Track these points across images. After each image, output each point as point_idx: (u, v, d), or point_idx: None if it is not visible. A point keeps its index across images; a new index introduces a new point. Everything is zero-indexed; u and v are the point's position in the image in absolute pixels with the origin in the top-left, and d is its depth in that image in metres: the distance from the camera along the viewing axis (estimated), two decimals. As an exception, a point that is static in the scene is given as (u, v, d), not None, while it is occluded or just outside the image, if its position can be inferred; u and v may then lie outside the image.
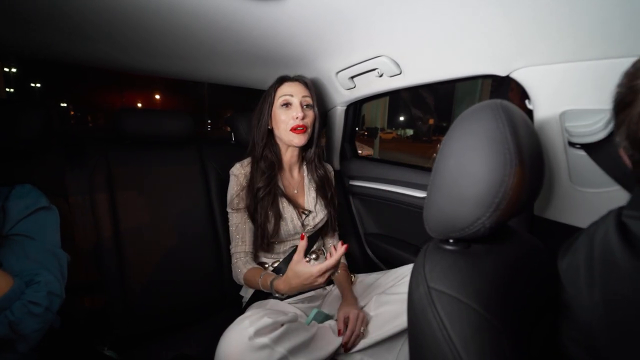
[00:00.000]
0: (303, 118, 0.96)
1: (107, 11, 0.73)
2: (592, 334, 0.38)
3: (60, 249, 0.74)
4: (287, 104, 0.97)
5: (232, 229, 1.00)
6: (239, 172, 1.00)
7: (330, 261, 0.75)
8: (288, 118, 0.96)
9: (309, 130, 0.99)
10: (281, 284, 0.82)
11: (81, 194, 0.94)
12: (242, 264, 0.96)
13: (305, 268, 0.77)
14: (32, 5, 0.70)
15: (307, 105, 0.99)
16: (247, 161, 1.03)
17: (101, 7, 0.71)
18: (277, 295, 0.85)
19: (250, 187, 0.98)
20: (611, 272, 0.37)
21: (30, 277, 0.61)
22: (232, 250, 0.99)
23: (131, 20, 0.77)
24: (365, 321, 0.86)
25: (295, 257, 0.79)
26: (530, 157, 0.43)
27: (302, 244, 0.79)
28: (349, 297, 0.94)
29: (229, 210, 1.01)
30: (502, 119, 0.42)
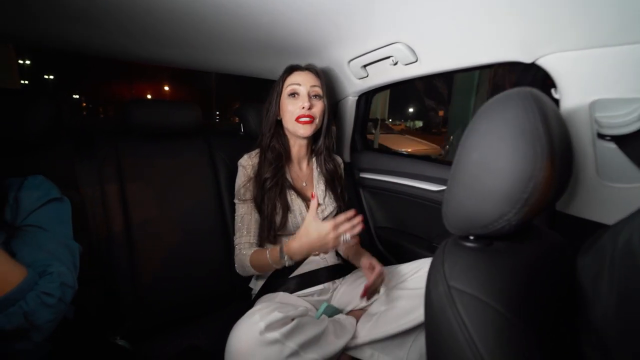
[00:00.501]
0: (310, 108, 0.93)
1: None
2: (607, 337, 0.36)
3: (73, 240, 0.74)
4: (294, 94, 0.95)
5: (237, 219, 0.99)
6: (247, 163, 0.98)
7: (342, 216, 0.77)
8: (295, 108, 0.94)
9: (317, 121, 0.96)
10: (291, 243, 0.81)
11: (91, 186, 0.94)
12: (246, 251, 0.94)
13: (318, 224, 0.77)
14: None
15: (316, 96, 0.96)
16: (255, 152, 1.01)
17: None
18: (286, 260, 0.83)
19: (258, 177, 0.96)
20: (630, 276, 0.35)
21: (43, 268, 0.61)
22: (236, 241, 0.97)
23: (142, 8, 0.75)
24: (384, 278, 0.89)
25: (308, 216, 0.79)
26: (560, 149, 0.40)
27: (314, 203, 0.79)
28: (368, 253, 0.97)
29: (235, 201, 1.00)
30: (532, 109, 0.39)
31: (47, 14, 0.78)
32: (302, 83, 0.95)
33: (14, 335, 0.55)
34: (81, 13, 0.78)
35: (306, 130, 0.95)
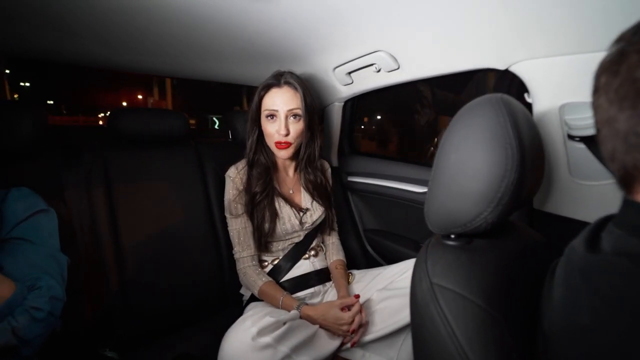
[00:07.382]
0: (287, 134, 0.91)
1: (99, 9, 0.71)
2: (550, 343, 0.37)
3: (60, 252, 0.73)
4: (272, 116, 0.93)
5: (233, 234, 0.98)
6: (235, 176, 0.97)
7: (355, 309, 0.84)
8: (273, 131, 0.92)
9: (295, 143, 0.94)
10: (311, 311, 0.85)
11: (78, 196, 0.93)
12: (252, 271, 0.95)
13: (337, 312, 0.83)
14: (23, 3, 0.68)
15: (295, 116, 0.92)
16: (242, 164, 1.00)
17: (93, 5, 0.69)
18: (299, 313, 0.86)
19: (247, 190, 0.96)
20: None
21: (32, 282, 0.61)
22: (237, 256, 0.97)
23: (123, 19, 0.76)
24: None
25: (334, 302, 0.87)
26: (531, 150, 0.43)
27: (348, 300, 0.87)
28: (345, 293, 0.94)
29: (227, 215, 0.99)
30: (503, 113, 0.42)
31: (28, 23, 0.76)
32: (279, 105, 0.90)
33: (2, 351, 0.55)
34: (64, 23, 0.77)
35: (284, 155, 0.95)
